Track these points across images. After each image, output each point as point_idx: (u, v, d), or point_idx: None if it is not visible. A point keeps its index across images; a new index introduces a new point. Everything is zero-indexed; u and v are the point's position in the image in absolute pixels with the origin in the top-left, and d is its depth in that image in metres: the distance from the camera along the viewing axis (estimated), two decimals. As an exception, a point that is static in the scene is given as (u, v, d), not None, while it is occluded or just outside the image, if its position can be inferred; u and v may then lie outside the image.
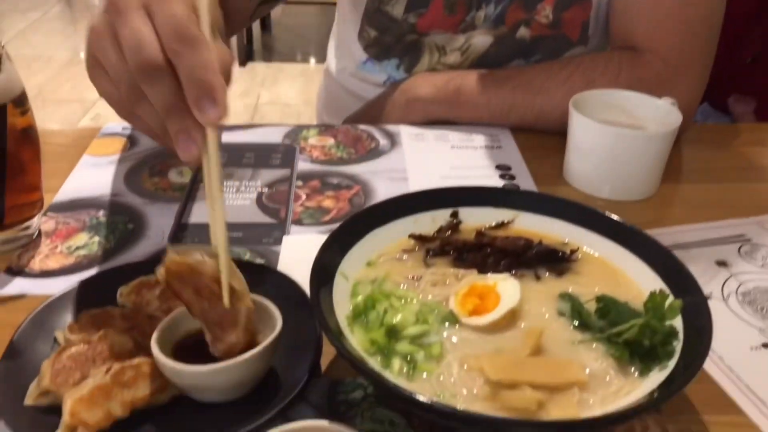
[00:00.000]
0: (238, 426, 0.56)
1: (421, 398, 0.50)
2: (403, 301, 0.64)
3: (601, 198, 0.96)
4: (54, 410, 0.57)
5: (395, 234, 0.73)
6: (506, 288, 0.64)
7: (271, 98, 3.96)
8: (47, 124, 1.11)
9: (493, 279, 0.66)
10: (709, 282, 0.79)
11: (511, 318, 0.63)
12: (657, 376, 0.56)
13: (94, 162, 1.02)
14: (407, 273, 0.69)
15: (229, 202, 0.93)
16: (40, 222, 0.85)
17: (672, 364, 0.57)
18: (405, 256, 0.72)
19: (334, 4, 1.36)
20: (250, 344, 0.60)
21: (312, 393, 0.63)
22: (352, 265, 0.68)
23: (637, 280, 0.67)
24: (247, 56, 4.45)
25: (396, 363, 0.58)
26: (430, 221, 0.75)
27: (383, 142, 1.10)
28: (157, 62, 0.56)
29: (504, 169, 1.03)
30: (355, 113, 1.28)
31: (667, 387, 0.54)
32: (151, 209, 0.91)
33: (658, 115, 0.98)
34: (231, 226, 0.87)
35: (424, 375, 0.57)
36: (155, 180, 0.97)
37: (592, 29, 1.17)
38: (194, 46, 0.56)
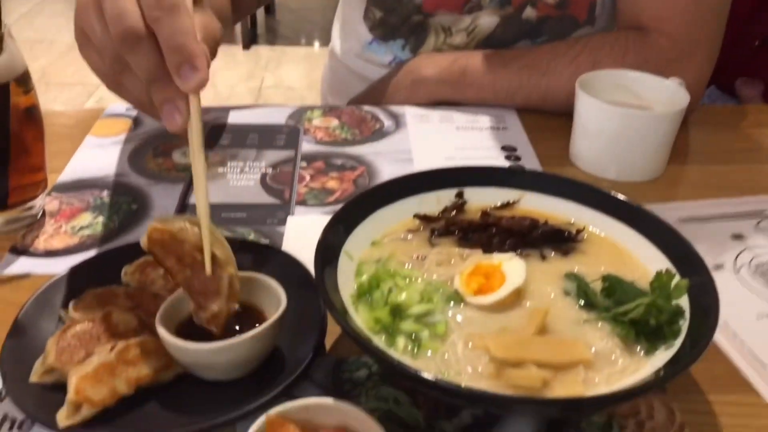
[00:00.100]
0: (242, 404, 0.56)
1: (426, 375, 0.50)
2: (407, 280, 0.64)
3: (607, 179, 0.95)
4: (59, 388, 0.57)
5: (400, 214, 0.73)
6: (511, 267, 0.64)
7: (274, 82, 3.94)
8: (51, 107, 1.10)
9: (498, 259, 0.66)
10: (722, 254, 0.79)
11: (517, 297, 0.62)
12: (663, 355, 0.56)
13: (97, 143, 1.01)
14: (412, 253, 0.69)
15: (234, 182, 0.93)
16: (44, 202, 0.85)
17: (678, 343, 0.56)
18: (410, 236, 0.71)
19: (339, -14, 1.35)
20: (244, 316, 0.61)
21: (316, 372, 0.63)
22: (357, 245, 0.68)
23: (643, 260, 0.67)
24: (250, 39, 4.43)
25: (400, 341, 0.58)
26: (435, 201, 0.75)
27: (388, 123, 1.09)
28: (139, 31, 0.56)
29: (509, 151, 1.02)
30: (359, 94, 1.27)
31: (672, 366, 0.54)
32: (155, 190, 0.90)
33: (666, 95, 0.97)
34: (235, 207, 0.87)
35: (429, 353, 0.57)
36: (159, 161, 0.97)
37: (599, 9, 1.16)
38: (173, 13, 0.56)
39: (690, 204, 0.89)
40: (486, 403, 0.53)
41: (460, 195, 0.76)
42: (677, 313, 0.58)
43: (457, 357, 0.56)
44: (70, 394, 0.54)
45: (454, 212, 0.74)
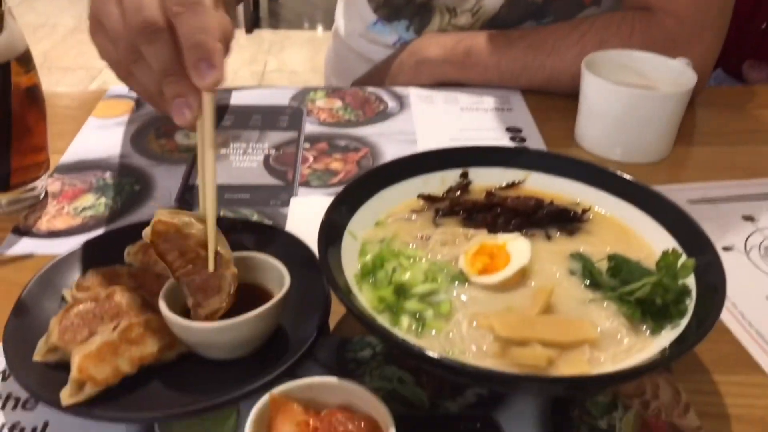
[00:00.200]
0: (245, 383, 0.56)
1: (431, 353, 0.49)
2: (411, 260, 0.64)
3: (613, 160, 0.94)
4: (62, 367, 0.57)
5: (404, 194, 0.72)
6: (516, 247, 0.63)
7: (277, 66, 3.93)
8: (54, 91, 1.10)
9: (503, 238, 0.65)
10: (732, 235, 0.79)
11: (522, 277, 0.62)
12: (669, 335, 0.56)
13: (100, 124, 1.01)
14: (416, 233, 0.68)
15: (236, 164, 0.92)
16: (46, 183, 0.85)
17: (684, 322, 0.56)
18: (414, 216, 0.71)
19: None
20: (248, 295, 0.60)
21: (320, 351, 0.63)
22: (361, 225, 0.68)
23: (649, 240, 0.66)
24: (253, 23, 4.40)
25: (404, 320, 0.57)
26: (439, 181, 0.74)
27: (392, 104, 1.08)
28: (157, 23, 0.56)
29: (514, 132, 1.01)
30: (363, 76, 1.26)
31: (678, 345, 0.54)
32: (158, 171, 0.90)
33: (672, 75, 0.96)
34: (238, 188, 0.87)
35: (433, 332, 0.57)
36: (162, 142, 0.96)
37: (606, -11, 1.15)
38: (195, 9, 0.56)
39: (699, 185, 0.89)
40: (490, 382, 0.52)
41: (464, 175, 0.75)
42: (684, 293, 0.58)
43: (461, 336, 0.56)
44: (74, 373, 0.54)
45: (458, 192, 0.74)
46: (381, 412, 0.51)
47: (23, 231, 0.78)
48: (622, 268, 0.61)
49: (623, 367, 0.53)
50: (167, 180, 0.88)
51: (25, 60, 0.76)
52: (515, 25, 1.16)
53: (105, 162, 0.92)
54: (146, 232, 0.59)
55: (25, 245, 0.76)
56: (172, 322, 0.58)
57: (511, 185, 0.75)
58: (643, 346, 0.55)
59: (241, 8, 4.12)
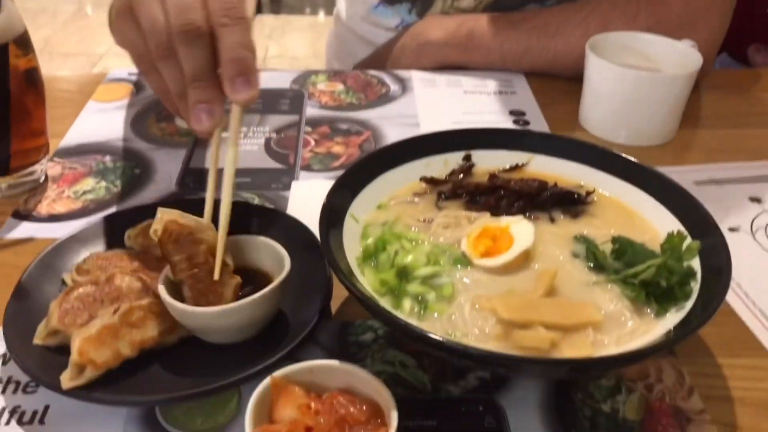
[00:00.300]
0: (246, 366, 0.55)
1: (433, 335, 0.49)
2: (414, 243, 0.63)
3: (617, 143, 0.93)
4: (63, 350, 0.56)
5: (407, 177, 0.72)
6: (519, 230, 0.63)
7: (279, 51, 3.91)
8: (54, 75, 1.09)
9: (506, 221, 0.65)
10: (739, 216, 0.79)
11: (525, 260, 0.61)
12: (673, 317, 0.55)
13: (100, 108, 1.00)
14: (419, 216, 0.68)
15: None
16: (46, 167, 0.84)
17: (689, 305, 0.55)
18: (416, 199, 0.70)
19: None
20: (250, 279, 0.60)
21: (322, 335, 0.63)
22: (363, 208, 0.67)
23: (653, 222, 0.66)
24: (254, 8, 4.37)
25: (407, 303, 0.57)
26: (442, 164, 0.74)
27: (394, 87, 1.07)
28: (201, 28, 0.57)
29: (518, 115, 1.00)
30: (365, 59, 1.25)
31: (683, 327, 0.53)
32: (158, 154, 0.89)
33: (677, 57, 0.95)
34: (239, 172, 0.85)
35: (435, 315, 0.56)
36: (162, 125, 0.96)
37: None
38: (241, 25, 0.57)
39: (706, 167, 0.88)
40: (493, 364, 0.52)
41: (467, 158, 0.74)
42: (688, 275, 0.57)
43: (463, 319, 0.55)
44: (74, 356, 0.54)
45: (461, 175, 0.73)
46: (383, 395, 0.51)
47: (23, 215, 0.78)
48: (626, 251, 0.60)
49: (627, 349, 0.52)
50: (167, 164, 0.87)
51: (24, 42, 0.75)
52: (518, 7, 1.15)
53: (105, 146, 0.91)
54: (156, 230, 0.58)
55: (25, 229, 0.76)
56: (173, 307, 0.57)
57: (515, 168, 0.74)
58: (648, 329, 0.55)
59: (242, -7, 4.09)
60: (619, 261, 0.60)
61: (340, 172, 0.68)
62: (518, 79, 1.09)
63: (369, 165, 0.70)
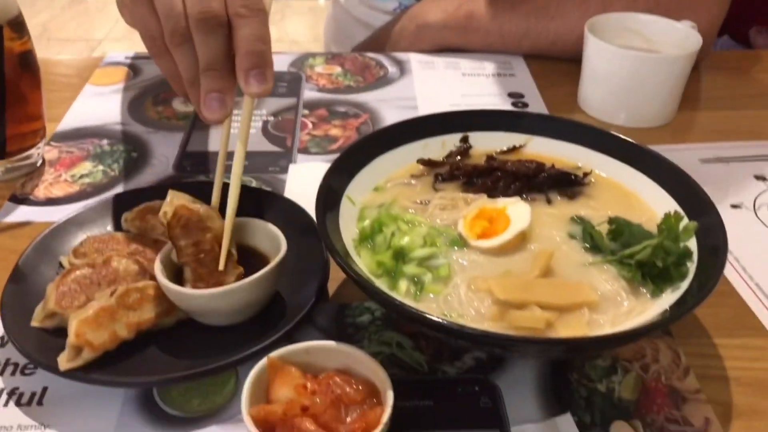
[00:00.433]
0: (243, 348, 0.56)
1: (429, 315, 0.49)
2: (410, 224, 0.63)
3: (616, 125, 0.93)
4: (61, 332, 0.56)
5: (404, 159, 0.72)
6: (516, 211, 0.63)
7: (278, 35, 3.88)
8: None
9: (503, 203, 0.65)
10: (742, 193, 0.79)
11: (521, 241, 0.61)
12: (669, 297, 0.55)
13: (97, 91, 1.00)
14: (415, 197, 0.67)
15: (234, 130, 0.91)
16: (42, 151, 0.84)
17: (685, 285, 0.55)
18: (413, 181, 0.70)
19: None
20: (247, 261, 0.60)
21: (319, 317, 0.63)
22: (360, 190, 0.67)
23: (651, 203, 0.66)
24: (254, -8, 4.34)
25: (403, 284, 0.57)
26: (439, 146, 0.73)
27: (392, 70, 1.07)
28: (220, 17, 0.56)
29: (517, 97, 1.00)
30: (363, 42, 1.24)
31: (679, 307, 0.53)
32: (155, 138, 0.89)
33: (677, 38, 0.95)
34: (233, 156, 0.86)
35: (431, 296, 0.56)
36: (159, 109, 0.95)
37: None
38: (260, 17, 0.57)
39: (712, 145, 0.88)
40: (489, 344, 0.52)
41: (465, 140, 0.74)
42: (685, 255, 0.57)
43: (459, 299, 0.55)
44: (71, 338, 0.54)
45: (459, 157, 0.73)
46: (379, 375, 0.51)
47: (20, 199, 0.78)
48: (623, 231, 0.60)
49: (622, 329, 0.52)
50: (165, 147, 0.87)
51: (18, 25, 0.75)
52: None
53: (102, 129, 0.91)
54: (165, 212, 0.58)
55: (22, 212, 0.76)
56: (169, 290, 0.57)
57: (512, 149, 0.74)
58: (644, 309, 0.55)
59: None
60: (616, 242, 0.60)
61: (337, 155, 0.67)
62: (517, 61, 1.08)
63: (366, 147, 0.70)
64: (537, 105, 0.98)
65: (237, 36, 0.56)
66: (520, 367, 0.57)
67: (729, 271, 0.69)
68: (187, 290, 0.58)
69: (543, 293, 0.54)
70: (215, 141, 0.88)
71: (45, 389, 0.56)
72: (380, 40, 1.19)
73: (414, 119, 0.75)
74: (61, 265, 0.65)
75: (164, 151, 0.86)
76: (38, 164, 0.83)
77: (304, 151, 0.87)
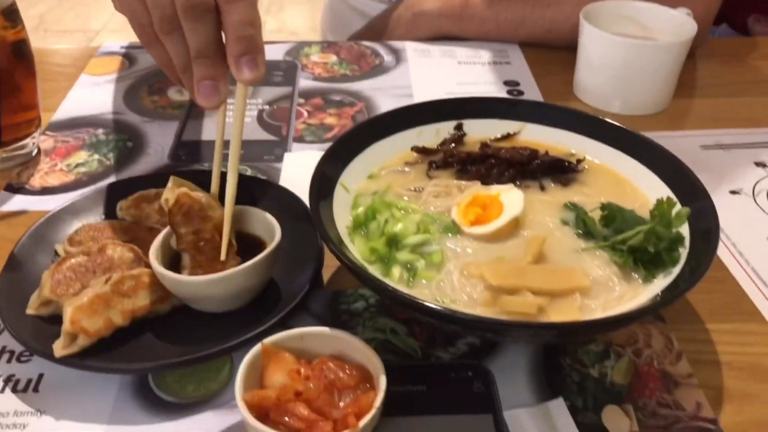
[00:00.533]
0: (238, 334, 0.56)
1: (420, 300, 0.49)
2: (404, 211, 0.63)
3: (612, 112, 0.93)
4: (56, 320, 0.57)
5: (398, 146, 0.72)
6: (510, 198, 0.63)
7: (277, 26, 3.87)
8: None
9: (496, 189, 0.65)
10: (742, 179, 0.80)
11: (514, 227, 0.61)
12: (661, 283, 0.55)
13: (92, 81, 1.00)
14: (409, 185, 0.68)
15: (230, 119, 0.91)
16: (38, 140, 0.84)
17: (677, 270, 0.56)
18: (407, 169, 0.70)
19: None
20: (244, 248, 0.60)
21: (314, 304, 0.63)
22: (354, 177, 0.67)
23: (644, 190, 0.66)
24: (252, -17, 4.32)
25: (396, 271, 0.57)
26: (434, 133, 0.74)
27: (388, 58, 1.07)
28: (207, 3, 0.55)
29: (512, 85, 1.00)
30: (359, 31, 1.24)
31: (670, 291, 0.53)
32: (151, 127, 0.89)
33: (673, 26, 0.94)
34: (229, 144, 0.86)
35: (424, 282, 0.57)
36: (154, 98, 0.95)
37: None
38: (248, 1, 0.55)
39: (713, 132, 0.89)
40: (480, 329, 0.52)
41: (459, 127, 0.74)
42: (676, 241, 0.58)
43: (452, 285, 0.56)
44: (66, 325, 0.54)
45: (453, 144, 0.73)
46: (372, 361, 0.51)
47: (16, 188, 0.78)
48: (615, 217, 0.60)
49: (613, 313, 0.53)
50: (160, 136, 0.87)
51: (12, 14, 0.75)
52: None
53: (98, 119, 0.91)
54: (167, 199, 0.59)
55: (18, 202, 0.76)
56: (163, 276, 0.57)
57: (506, 137, 0.74)
58: (635, 294, 0.55)
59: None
60: (608, 228, 0.60)
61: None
62: (513, 49, 1.08)
63: (360, 135, 0.70)
64: (533, 93, 0.98)
65: (225, 21, 0.55)
66: (512, 352, 0.58)
67: (725, 256, 0.69)
68: (182, 277, 0.58)
69: (535, 279, 0.55)
70: (210, 130, 0.88)
71: (41, 376, 0.57)
72: (376, 29, 1.19)
73: (408, 107, 0.75)
74: (56, 253, 0.65)
75: (159, 140, 0.86)
76: (34, 154, 0.83)
77: (300, 139, 0.87)
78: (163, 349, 0.57)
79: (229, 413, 0.53)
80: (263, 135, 0.88)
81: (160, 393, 0.55)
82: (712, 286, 0.65)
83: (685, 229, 0.59)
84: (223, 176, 0.62)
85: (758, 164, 0.83)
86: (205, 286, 0.58)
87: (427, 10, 1.10)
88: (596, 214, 0.62)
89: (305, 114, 0.93)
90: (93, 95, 0.96)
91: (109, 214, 0.69)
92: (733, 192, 0.77)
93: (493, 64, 1.05)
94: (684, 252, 0.57)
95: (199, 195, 0.60)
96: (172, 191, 0.59)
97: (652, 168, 0.66)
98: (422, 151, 0.72)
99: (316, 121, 0.91)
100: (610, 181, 0.68)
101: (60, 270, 0.60)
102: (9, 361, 0.58)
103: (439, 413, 0.53)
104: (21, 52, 0.78)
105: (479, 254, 0.59)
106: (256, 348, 0.52)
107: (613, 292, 0.55)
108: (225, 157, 0.62)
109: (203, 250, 0.59)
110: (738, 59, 1.09)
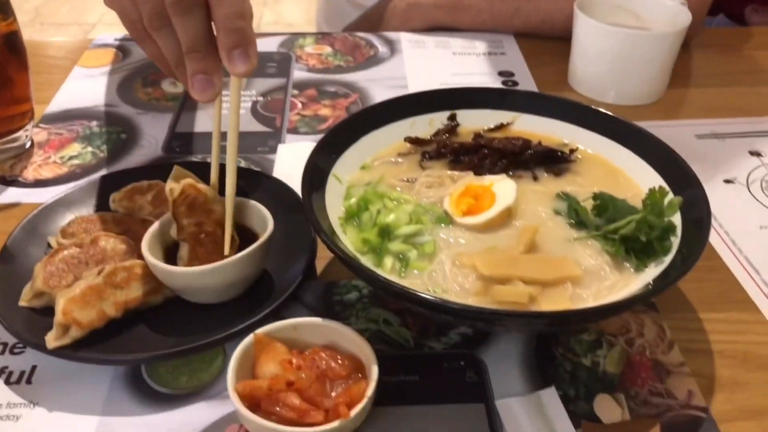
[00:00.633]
0: (231, 325, 0.56)
1: (411, 290, 0.49)
2: (396, 202, 0.63)
3: (606, 103, 0.93)
4: (48, 311, 0.57)
5: (391, 137, 0.72)
6: (502, 188, 0.63)
7: (274, 18, 3.86)
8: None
9: (489, 180, 0.65)
10: (736, 168, 0.80)
11: (506, 217, 0.61)
12: (653, 271, 0.55)
13: (86, 73, 0.99)
14: (402, 176, 0.68)
15: (224, 110, 0.91)
16: (31, 133, 0.84)
17: (668, 259, 0.56)
18: (400, 159, 0.70)
19: None
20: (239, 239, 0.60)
21: (307, 295, 0.63)
22: (346, 168, 0.67)
23: (637, 179, 0.66)
24: (248, -25, 4.30)
25: (388, 261, 0.57)
26: (427, 124, 0.73)
27: (382, 49, 1.06)
28: None
29: (507, 76, 1.00)
30: (354, 22, 1.24)
31: (662, 280, 0.53)
32: (145, 119, 0.89)
33: (667, 15, 0.94)
34: (225, 135, 0.85)
35: (416, 272, 0.57)
36: (148, 90, 0.95)
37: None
38: None
39: (708, 121, 0.89)
40: (472, 318, 0.52)
41: (452, 117, 0.74)
42: (668, 230, 0.58)
43: (444, 275, 0.56)
44: (58, 316, 0.54)
45: (446, 135, 0.73)
46: (364, 351, 0.51)
47: (9, 180, 0.78)
48: (607, 207, 0.60)
49: (605, 302, 0.53)
50: (154, 128, 0.87)
51: (2, 5, 0.75)
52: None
53: (91, 111, 0.91)
54: (172, 189, 0.59)
55: (11, 194, 0.76)
56: (155, 268, 0.58)
57: (500, 127, 0.74)
58: (627, 283, 0.55)
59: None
60: (601, 217, 0.60)
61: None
62: (507, 40, 1.08)
63: (353, 125, 0.70)
64: (527, 84, 0.98)
65: (215, 14, 0.55)
66: (505, 342, 0.58)
67: (719, 245, 0.69)
68: (174, 268, 0.58)
69: (527, 268, 0.55)
70: (204, 122, 0.88)
71: (34, 368, 0.57)
72: (371, 20, 1.19)
73: (401, 97, 0.75)
74: (49, 246, 0.65)
75: (153, 132, 0.86)
76: (27, 146, 0.83)
77: (294, 131, 0.87)
78: (155, 340, 0.57)
79: (222, 404, 0.54)
80: (257, 126, 0.88)
81: (153, 384, 0.55)
82: (704, 275, 0.65)
83: (677, 218, 0.59)
84: (221, 168, 0.61)
85: (753, 153, 0.83)
86: (197, 277, 0.58)
87: (422, 1, 1.10)
88: (589, 204, 0.62)
89: (299, 105, 0.92)
90: (86, 87, 0.96)
91: (102, 206, 0.69)
92: (727, 181, 0.78)
93: (488, 54, 1.05)
94: (676, 241, 0.57)
95: (204, 187, 0.60)
96: (177, 180, 0.59)
97: (645, 157, 0.66)
98: (415, 141, 0.72)
99: (311, 113, 0.91)
100: (602, 171, 0.68)
101: (53, 262, 0.60)
102: (2, 353, 0.58)
103: (432, 403, 0.53)
104: (13, 45, 0.77)
105: (471, 244, 0.59)
106: (249, 338, 0.52)
107: (604, 282, 0.56)
108: (223, 150, 0.62)
109: (203, 243, 0.59)
110: (733, 49, 1.08)
